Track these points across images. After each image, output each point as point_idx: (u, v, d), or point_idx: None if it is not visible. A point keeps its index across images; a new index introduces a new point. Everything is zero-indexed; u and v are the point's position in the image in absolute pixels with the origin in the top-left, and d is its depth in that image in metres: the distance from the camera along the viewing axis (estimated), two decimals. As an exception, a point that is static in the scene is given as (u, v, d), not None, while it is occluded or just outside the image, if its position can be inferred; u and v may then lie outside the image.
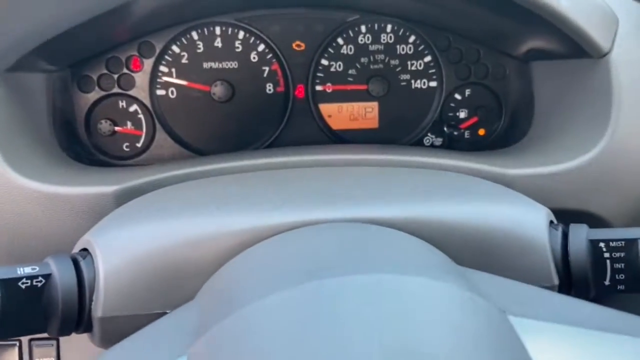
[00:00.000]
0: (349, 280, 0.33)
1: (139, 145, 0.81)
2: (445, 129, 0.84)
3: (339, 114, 0.84)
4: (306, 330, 0.30)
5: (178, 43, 0.80)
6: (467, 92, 0.84)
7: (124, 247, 0.47)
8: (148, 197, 0.56)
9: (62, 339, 0.72)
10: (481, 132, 0.85)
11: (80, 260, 0.47)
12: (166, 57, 0.80)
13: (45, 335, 0.71)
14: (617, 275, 0.49)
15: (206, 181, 0.60)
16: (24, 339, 0.72)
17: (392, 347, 0.28)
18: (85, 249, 0.49)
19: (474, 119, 0.85)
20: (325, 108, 0.84)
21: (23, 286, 0.45)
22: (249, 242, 0.46)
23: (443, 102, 0.84)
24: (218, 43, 0.80)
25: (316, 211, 0.48)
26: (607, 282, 0.50)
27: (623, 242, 0.49)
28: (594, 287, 0.50)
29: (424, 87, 0.84)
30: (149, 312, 0.45)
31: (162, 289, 0.46)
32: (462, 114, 0.85)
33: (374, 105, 0.84)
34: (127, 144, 0.81)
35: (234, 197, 0.52)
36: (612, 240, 0.49)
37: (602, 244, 0.49)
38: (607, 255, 0.49)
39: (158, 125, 0.81)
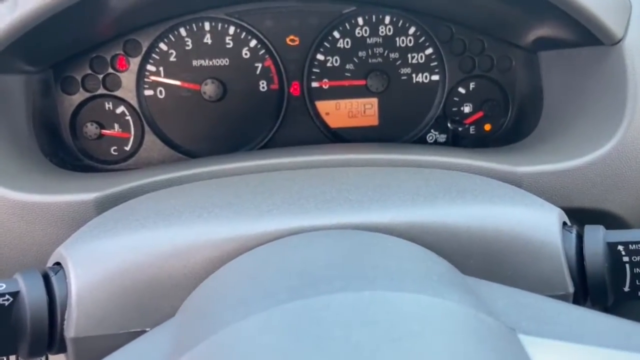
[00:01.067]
0: (335, 299, 0.29)
1: (127, 148, 0.77)
2: (449, 124, 0.80)
3: (337, 112, 0.80)
4: (286, 356, 0.26)
5: (165, 40, 0.76)
6: (472, 85, 0.80)
7: (98, 260, 0.43)
8: (127, 206, 0.52)
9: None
10: (487, 127, 0.81)
11: (51, 276, 0.43)
12: (153, 55, 0.76)
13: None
14: (637, 281, 0.45)
15: (191, 186, 0.56)
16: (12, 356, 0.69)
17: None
18: (58, 263, 0.45)
19: (480, 114, 0.80)
20: (322, 105, 0.80)
21: None
22: (232, 253, 0.42)
23: (446, 96, 0.80)
24: (208, 39, 0.76)
25: (306, 218, 0.44)
26: (626, 289, 0.45)
27: (646, 245, 0.44)
28: (613, 294, 0.45)
29: (425, 81, 0.80)
30: (127, 331, 0.42)
31: (140, 306, 0.42)
32: (466, 109, 0.81)
33: (374, 101, 0.80)
34: (114, 147, 0.77)
35: (219, 204, 0.48)
36: (632, 243, 0.45)
37: (620, 247, 0.45)
38: (626, 259, 0.45)
39: (147, 127, 0.77)
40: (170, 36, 0.76)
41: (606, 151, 0.57)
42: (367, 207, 0.45)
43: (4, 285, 0.42)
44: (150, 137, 0.77)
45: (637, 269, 0.45)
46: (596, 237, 0.46)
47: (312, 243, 0.39)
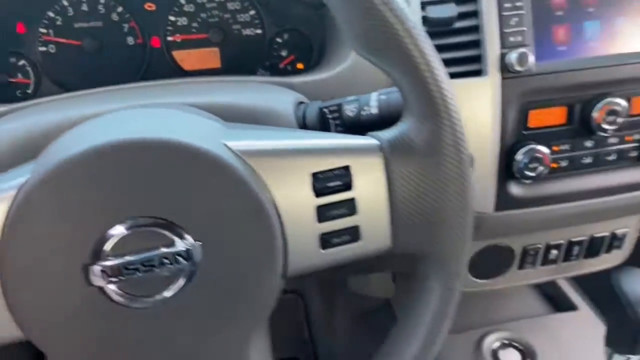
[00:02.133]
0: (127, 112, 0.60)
1: (29, 91, 1.03)
2: (270, 65, 1.11)
3: (189, 57, 1.09)
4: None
5: (52, 9, 1.02)
6: (286, 36, 1.12)
7: (11, 131, 0.71)
8: (32, 109, 0.80)
9: None
10: (299, 66, 1.13)
11: None
12: (44, 21, 1.02)
13: None
14: (337, 128, 0.78)
15: (69, 99, 0.85)
16: None
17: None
18: None
19: (292, 57, 1.12)
20: (177, 54, 1.09)
21: None
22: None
23: (268, 44, 1.11)
24: (85, 7, 1.03)
25: (141, 99, 0.74)
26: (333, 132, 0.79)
27: (336, 106, 0.78)
28: None
29: (252, 34, 1.11)
30: None
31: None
32: (283, 53, 1.12)
33: (215, 50, 1.10)
34: (19, 91, 1.03)
35: (83, 103, 0.77)
36: (330, 106, 0.78)
37: (325, 110, 0.78)
38: (329, 116, 0.78)
39: (42, 75, 1.03)
40: (56, 6, 1.02)
41: (342, 68, 0.91)
42: (179, 95, 0.76)
43: None
44: (46, 82, 1.04)
45: (336, 121, 0.78)
46: (314, 107, 0.79)
47: (138, 112, 0.70)
